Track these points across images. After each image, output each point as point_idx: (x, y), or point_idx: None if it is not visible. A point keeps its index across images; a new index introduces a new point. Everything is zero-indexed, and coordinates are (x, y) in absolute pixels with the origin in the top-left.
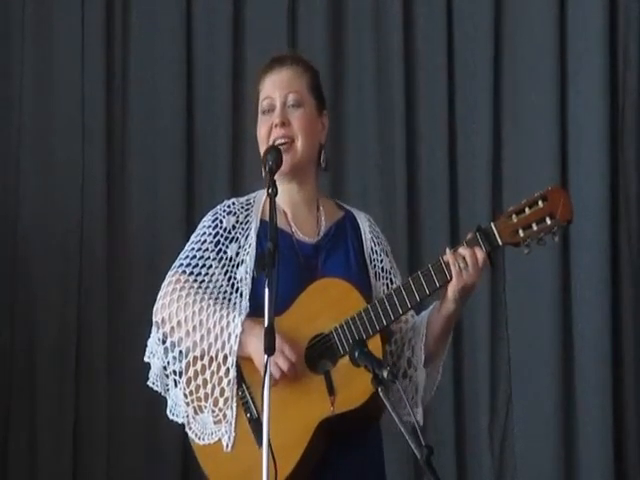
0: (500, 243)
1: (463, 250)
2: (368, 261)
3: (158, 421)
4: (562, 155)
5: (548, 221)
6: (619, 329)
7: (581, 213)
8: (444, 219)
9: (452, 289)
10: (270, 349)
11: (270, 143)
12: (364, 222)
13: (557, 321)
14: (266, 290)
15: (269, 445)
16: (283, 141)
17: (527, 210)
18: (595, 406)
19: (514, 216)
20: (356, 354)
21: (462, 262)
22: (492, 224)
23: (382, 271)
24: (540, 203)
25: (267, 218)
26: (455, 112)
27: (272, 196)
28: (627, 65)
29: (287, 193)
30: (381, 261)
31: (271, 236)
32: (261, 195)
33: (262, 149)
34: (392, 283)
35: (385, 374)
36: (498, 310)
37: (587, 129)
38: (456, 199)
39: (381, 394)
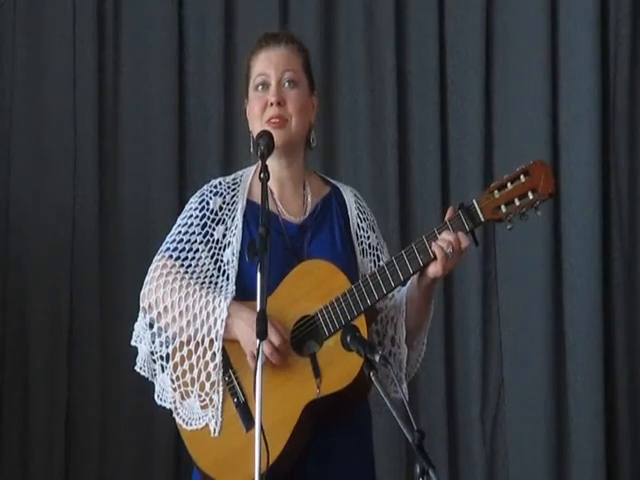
0: (483, 220)
1: (447, 235)
2: (354, 238)
3: (151, 405)
4: (554, 143)
5: (530, 196)
6: (610, 314)
7: (573, 200)
8: (435, 207)
9: (434, 269)
10: (262, 334)
11: (264, 120)
12: (350, 197)
13: (548, 307)
14: (258, 275)
15: (262, 431)
16: (277, 120)
17: (509, 185)
18: (586, 391)
19: (496, 192)
20: (348, 338)
21: (448, 248)
22: (474, 201)
23: (369, 247)
24: (522, 178)
25: (254, 198)
26: (446, 98)
27: (264, 181)
28: (619, 53)
29: (275, 171)
30: (368, 237)
31: (263, 221)
32: (247, 174)
33: (254, 126)
34: (379, 260)
35: (377, 358)
36: (489, 297)
37: (578, 117)
38: (447, 185)
39: (373, 379)
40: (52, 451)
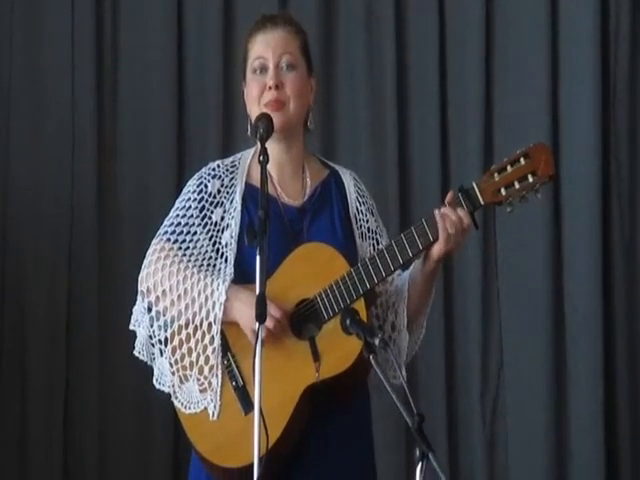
0: (482, 203)
1: (450, 215)
2: (354, 221)
3: (150, 390)
4: (554, 127)
5: (530, 178)
6: (610, 298)
7: (573, 184)
8: (435, 192)
9: (437, 251)
10: (261, 317)
11: (262, 104)
12: (349, 181)
13: (548, 291)
14: (257, 259)
15: (261, 414)
16: (276, 103)
17: (509, 168)
18: (586, 375)
19: (496, 175)
20: (347, 322)
21: (450, 228)
22: (474, 184)
23: (368, 231)
24: (522, 160)
25: (252, 181)
26: (446, 81)
27: (263, 164)
28: (619, 36)
29: (274, 154)
30: (367, 221)
31: (262, 204)
32: (246, 157)
33: (251, 109)
34: (378, 243)
35: (377, 342)
36: (489, 280)
37: (579, 100)
38: (447, 170)
39: (373, 362)
40: (50, 439)
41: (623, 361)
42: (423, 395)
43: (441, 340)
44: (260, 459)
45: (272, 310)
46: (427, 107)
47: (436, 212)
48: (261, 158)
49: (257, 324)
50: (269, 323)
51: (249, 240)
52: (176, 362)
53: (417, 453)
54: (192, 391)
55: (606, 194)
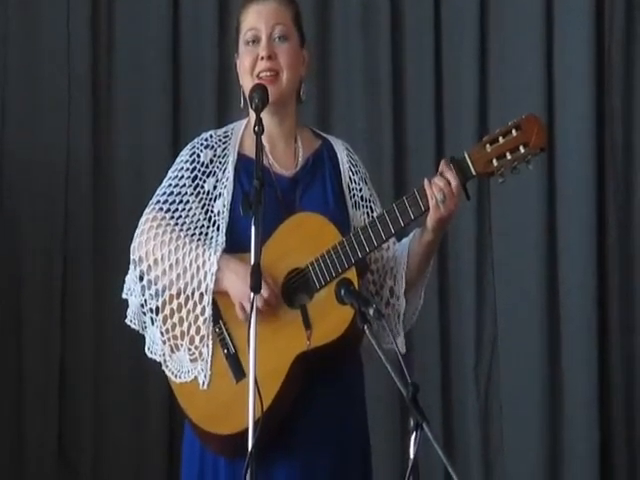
0: (474, 173)
1: (438, 181)
2: (346, 191)
3: (145, 358)
4: (549, 96)
5: (522, 150)
6: (604, 270)
7: (567, 157)
8: (430, 164)
9: (430, 220)
10: (257, 288)
11: (255, 74)
12: (342, 151)
13: (543, 263)
14: (252, 229)
15: (255, 382)
16: (269, 74)
17: (501, 139)
18: (580, 346)
19: (488, 146)
20: (342, 292)
21: (439, 194)
22: (466, 154)
23: (362, 200)
24: (514, 132)
25: (245, 151)
26: (441, 54)
27: (259, 134)
28: (614, 7)
29: (267, 125)
30: (360, 190)
31: (258, 174)
32: (239, 127)
33: (244, 80)
34: (372, 211)
35: (371, 312)
36: (484, 251)
37: (573, 69)
38: (442, 142)
39: (367, 332)
40: (46, 408)
41: (617, 328)
42: (418, 367)
43: (435, 311)
44: (255, 426)
45: (262, 289)
46: (422, 79)
47: (425, 180)
48: (256, 128)
49: (252, 294)
50: (259, 302)
51: (244, 210)
52: (167, 331)
53: (411, 423)
54: (183, 360)
55: (601, 161)
